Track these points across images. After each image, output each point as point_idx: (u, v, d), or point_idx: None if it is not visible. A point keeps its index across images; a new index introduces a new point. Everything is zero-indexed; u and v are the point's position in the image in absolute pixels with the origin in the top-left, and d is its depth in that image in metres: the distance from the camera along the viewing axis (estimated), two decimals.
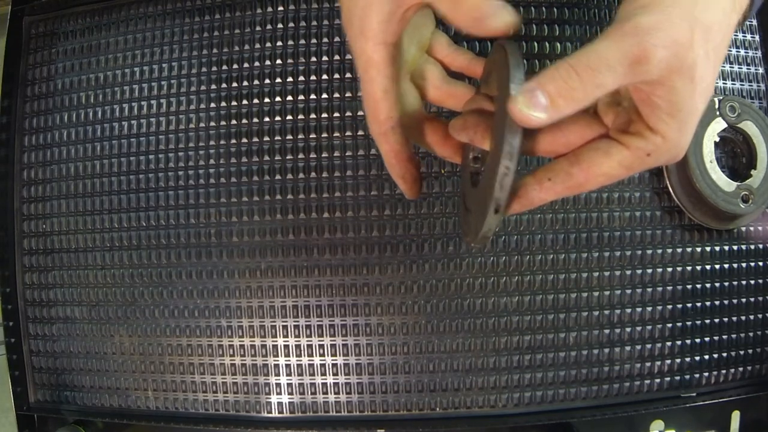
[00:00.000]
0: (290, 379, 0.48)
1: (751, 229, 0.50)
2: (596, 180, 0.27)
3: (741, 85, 0.51)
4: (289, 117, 0.49)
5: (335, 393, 0.48)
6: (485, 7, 0.27)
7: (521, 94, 0.24)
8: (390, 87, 0.30)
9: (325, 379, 0.48)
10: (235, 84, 0.50)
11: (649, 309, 0.48)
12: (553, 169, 0.27)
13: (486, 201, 0.26)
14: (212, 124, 0.50)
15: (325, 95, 0.49)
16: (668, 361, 0.48)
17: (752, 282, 0.50)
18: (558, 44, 0.48)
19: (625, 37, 0.24)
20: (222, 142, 0.50)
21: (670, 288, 0.48)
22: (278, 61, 0.50)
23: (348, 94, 0.48)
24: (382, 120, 0.31)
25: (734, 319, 0.49)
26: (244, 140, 0.49)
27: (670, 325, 0.48)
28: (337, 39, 0.49)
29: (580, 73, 0.23)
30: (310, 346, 0.48)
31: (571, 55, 0.24)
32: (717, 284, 0.49)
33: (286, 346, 0.48)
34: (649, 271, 0.48)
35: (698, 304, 0.49)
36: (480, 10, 0.27)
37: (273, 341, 0.48)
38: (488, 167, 0.27)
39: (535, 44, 0.48)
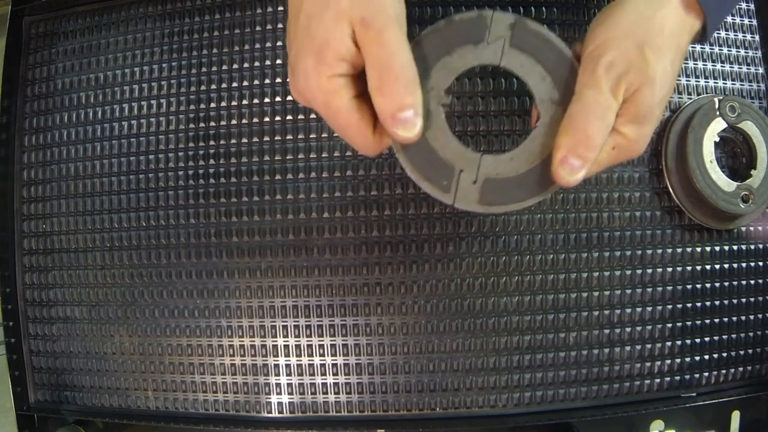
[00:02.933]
0: (290, 379, 0.48)
1: (751, 229, 0.50)
2: None
3: (741, 85, 0.51)
4: (290, 117, 0.49)
5: (335, 393, 0.48)
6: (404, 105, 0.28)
7: (560, 167, 0.29)
8: (359, 107, 0.29)
9: (325, 379, 0.48)
10: (235, 84, 0.50)
11: (649, 309, 0.48)
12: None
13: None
14: (212, 124, 0.50)
15: None
16: (668, 361, 0.48)
17: (752, 282, 0.50)
18: None
19: (601, 80, 0.29)
20: (222, 142, 0.50)
21: (670, 288, 0.48)
22: (278, 61, 0.50)
23: None
24: (371, 146, 0.30)
25: (734, 319, 0.49)
26: (244, 140, 0.49)
27: (670, 325, 0.48)
28: None
29: (592, 125, 0.29)
30: (310, 346, 0.48)
31: (571, 116, 0.29)
32: (717, 284, 0.49)
33: (286, 346, 0.48)
34: (649, 271, 0.48)
35: (698, 304, 0.49)
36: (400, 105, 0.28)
37: (273, 341, 0.48)
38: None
39: None
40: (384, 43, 0.28)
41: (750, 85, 0.51)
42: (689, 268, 0.49)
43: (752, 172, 0.47)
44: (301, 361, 0.48)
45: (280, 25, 0.50)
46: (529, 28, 0.31)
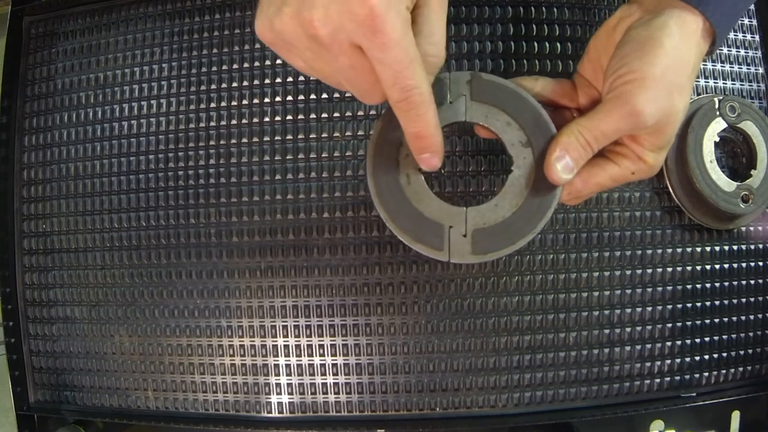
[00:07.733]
0: (290, 379, 0.48)
1: (751, 229, 0.50)
2: (591, 188, 0.34)
3: (741, 85, 0.51)
4: (289, 117, 0.49)
5: (335, 393, 0.48)
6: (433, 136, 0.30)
7: (557, 162, 0.31)
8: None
9: (325, 379, 0.48)
10: (235, 84, 0.50)
11: (649, 309, 0.48)
12: None
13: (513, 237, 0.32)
14: (212, 124, 0.50)
15: (325, 95, 0.49)
16: (668, 361, 0.48)
17: (752, 282, 0.50)
18: (558, 44, 0.48)
19: (624, 117, 0.31)
20: (222, 142, 0.50)
21: (670, 288, 0.48)
22: (278, 61, 0.50)
23: (348, 94, 0.48)
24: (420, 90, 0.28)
25: (734, 319, 0.49)
26: (244, 140, 0.49)
27: (670, 325, 0.48)
28: None
29: (591, 143, 0.32)
30: (310, 346, 0.48)
31: (583, 122, 0.32)
32: (717, 284, 0.49)
33: (286, 346, 0.48)
34: (649, 271, 0.48)
35: (698, 304, 0.49)
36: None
37: (273, 341, 0.48)
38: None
39: (535, 44, 0.48)
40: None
41: (750, 85, 0.51)
42: (689, 268, 0.49)
43: (752, 172, 0.47)
44: (301, 361, 0.48)
45: None
46: (485, 80, 0.32)
